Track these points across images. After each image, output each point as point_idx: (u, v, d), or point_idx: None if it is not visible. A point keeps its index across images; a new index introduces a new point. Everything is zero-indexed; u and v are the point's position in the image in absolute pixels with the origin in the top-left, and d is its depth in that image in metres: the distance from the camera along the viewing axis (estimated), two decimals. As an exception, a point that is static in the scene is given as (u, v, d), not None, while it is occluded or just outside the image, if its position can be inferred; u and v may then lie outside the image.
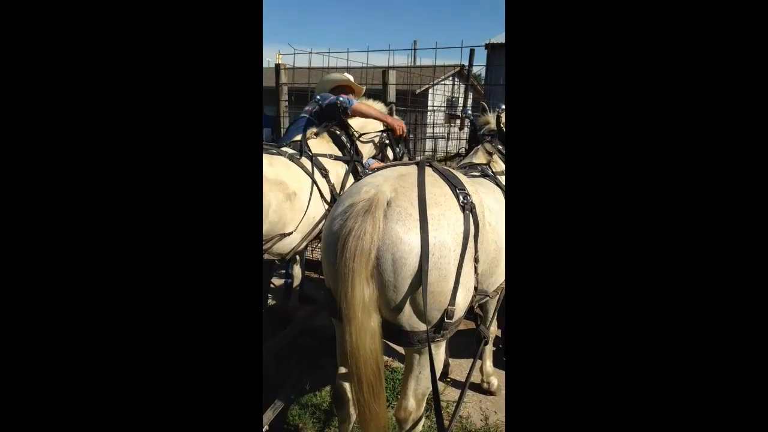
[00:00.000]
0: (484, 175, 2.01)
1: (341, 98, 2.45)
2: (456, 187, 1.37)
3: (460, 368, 2.42)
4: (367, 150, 2.69)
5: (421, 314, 1.25)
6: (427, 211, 1.24)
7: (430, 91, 9.88)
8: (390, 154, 2.74)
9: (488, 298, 1.86)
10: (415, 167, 1.40)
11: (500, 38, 11.62)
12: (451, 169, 1.53)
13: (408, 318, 1.28)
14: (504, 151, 2.28)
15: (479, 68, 11.33)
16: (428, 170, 1.40)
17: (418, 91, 9.58)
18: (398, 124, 2.40)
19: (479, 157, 2.22)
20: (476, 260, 1.39)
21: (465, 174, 1.94)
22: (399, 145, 2.62)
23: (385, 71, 3.30)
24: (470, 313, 1.53)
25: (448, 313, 1.29)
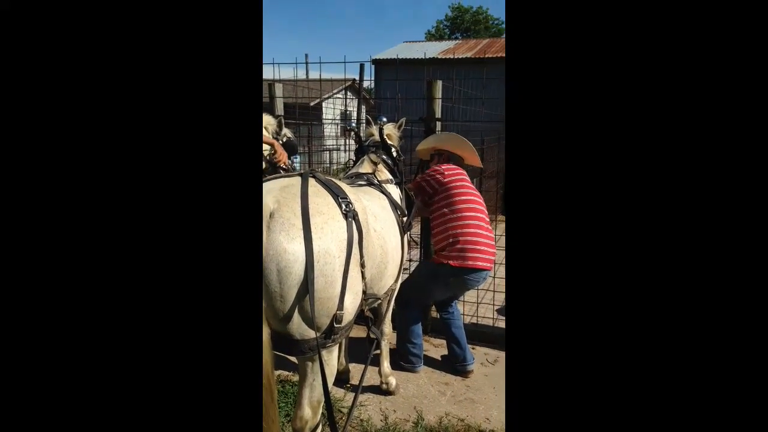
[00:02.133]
0: (370, 184, 2.11)
1: None
2: (339, 196, 1.42)
3: (360, 374, 2.47)
4: None
5: (310, 322, 1.28)
6: (310, 220, 1.27)
7: (324, 104, 9.96)
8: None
9: (379, 301, 1.94)
10: (298, 178, 1.43)
11: (385, 54, 12.20)
12: (334, 180, 1.59)
13: (297, 326, 1.29)
14: (388, 161, 2.41)
15: (368, 82, 11.70)
16: (311, 181, 1.44)
17: (312, 104, 9.61)
18: (281, 155, 2.39)
19: (365, 167, 2.31)
20: (363, 265, 1.45)
21: (351, 183, 2.01)
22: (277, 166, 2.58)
23: (271, 84, 3.27)
24: (361, 317, 1.59)
25: (337, 318, 1.33)
